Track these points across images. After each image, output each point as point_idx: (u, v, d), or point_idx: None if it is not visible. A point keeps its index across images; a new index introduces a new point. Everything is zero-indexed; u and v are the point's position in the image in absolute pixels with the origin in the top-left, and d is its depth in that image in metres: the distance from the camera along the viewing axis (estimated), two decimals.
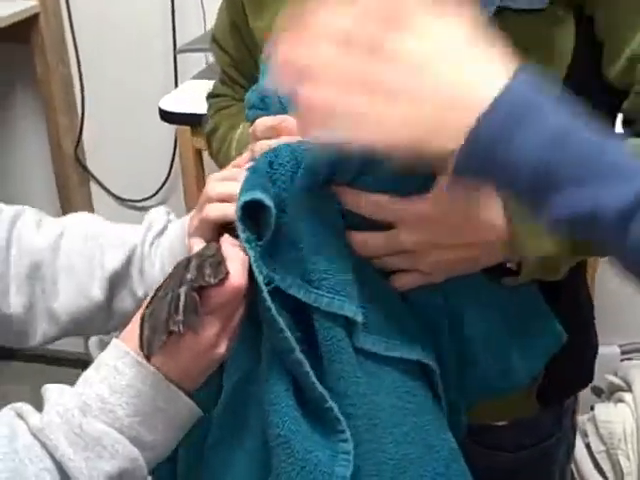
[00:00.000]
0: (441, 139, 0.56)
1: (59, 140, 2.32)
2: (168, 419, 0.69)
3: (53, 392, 0.68)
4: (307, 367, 0.70)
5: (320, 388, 0.70)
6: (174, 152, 2.24)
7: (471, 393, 0.80)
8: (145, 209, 2.44)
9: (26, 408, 0.67)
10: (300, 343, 0.70)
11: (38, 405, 0.69)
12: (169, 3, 2.09)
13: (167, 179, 2.33)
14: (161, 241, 0.89)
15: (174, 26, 2.12)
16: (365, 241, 0.73)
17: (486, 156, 0.56)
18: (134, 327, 0.70)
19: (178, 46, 2.08)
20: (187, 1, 2.10)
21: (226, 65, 1.04)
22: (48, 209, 2.45)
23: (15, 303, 0.85)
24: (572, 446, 1.06)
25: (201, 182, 1.87)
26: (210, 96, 1.10)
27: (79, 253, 0.88)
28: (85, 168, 2.41)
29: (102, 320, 0.88)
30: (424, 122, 0.57)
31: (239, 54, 1.01)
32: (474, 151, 0.56)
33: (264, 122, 0.78)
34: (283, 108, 0.78)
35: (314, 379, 0.70)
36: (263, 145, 0.76)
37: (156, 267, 0.87)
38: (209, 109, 1.09)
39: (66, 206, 2.41)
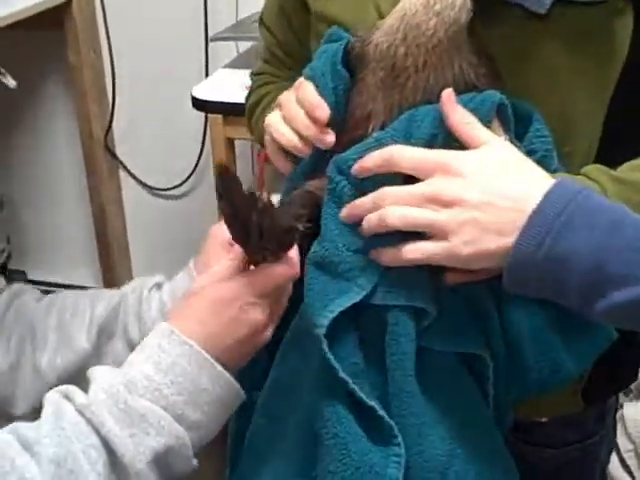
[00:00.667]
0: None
1: (89, 128, 2.32)
2: (212, 399, 0.68)
3: (99, 372, 0.68)
4: (351, 384, 0.71)
5: (369, 402, 0.71)
6: (203, 141, 2.24)
7: (518, 389, 0.79)
8: (173, 197, 2.44)
9: (72, 389, 0.68)
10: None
11: None
12: None
13: (195, 168, 2.33)
14: (163, 287, 0.89)
15: (206, 15, 2.11)
16: (404, 195, 0.71)
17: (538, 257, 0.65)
18: (180, 306, 0.70)
19: (210, 35, 2.07)
20: None
21: (272, 45, 1.06)
22: (77, 197, 2.49)
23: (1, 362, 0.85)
24: (613, 444, 1.05)
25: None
26: (254, 74, 1.12)
27: (69, 308, 0.88)
28: (114, 156, 2.42)
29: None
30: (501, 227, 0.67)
31: (285, 37, 1.03)
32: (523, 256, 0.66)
33: (305, 96, 0.80)
34: (323, 72, 0.80)
35: (360, 394, 0.71)
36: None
37: (152, 309, 0.86)
38: (252, 84, 1.11)
39: (95, 194, 2.42)
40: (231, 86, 1.82)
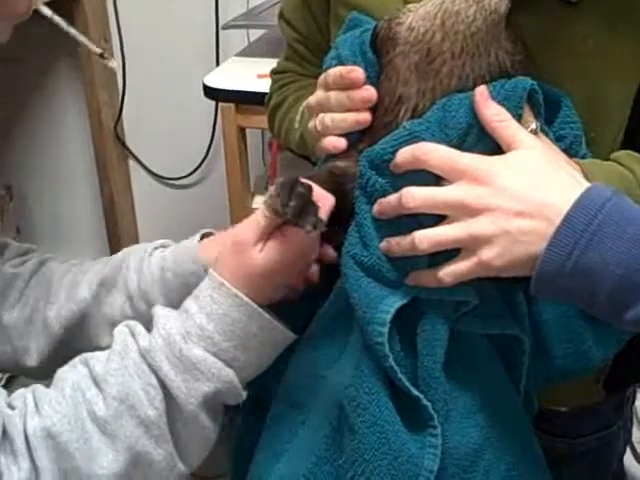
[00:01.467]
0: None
1: (99, 117, 2.32)
2: (262, 342, 0.74)
3: (160, 317, 0.74)
4: (400, 374, 0.72)
5: (415, 392, 0.72)
6: (213, 130, 2.23)
7: (542, 376, 0.80)
8: (183, 187, 2.44)
9: (139, 328, 0.75)
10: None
11: None
12: None
13: (206, 157, 2.32)
14: (168, 247, 0.92)
15: (217, 3, 2.10)
16: (428, 197, 0.71)
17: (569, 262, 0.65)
18: (222, 260, 0.74)
19: (221, 23, 2.06)
20: None
21: (294, 41, 1.04)
22: (87, 186, 2.49)
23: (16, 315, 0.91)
24: (630, 435, 1.05)
25: (243, 160, 1.86)
26: (274, 72, 1.10)
27: (83, 270, 0.92)
28: (124, 145, 2.41)
29: (92, 327, 0.90)
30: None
31: (308, 29, 1.01)
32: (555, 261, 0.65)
33: (335, 71, 0.79)
34: (355, 58, 0.79)
35: (407, 384, 0.72)
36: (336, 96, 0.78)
37: (152, 264, 0.88)
38: (273, 85, 1.09)
39: (104, 183, 2.42)
40: (242, 74, 1.82)
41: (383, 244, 0.74)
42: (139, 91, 2.33)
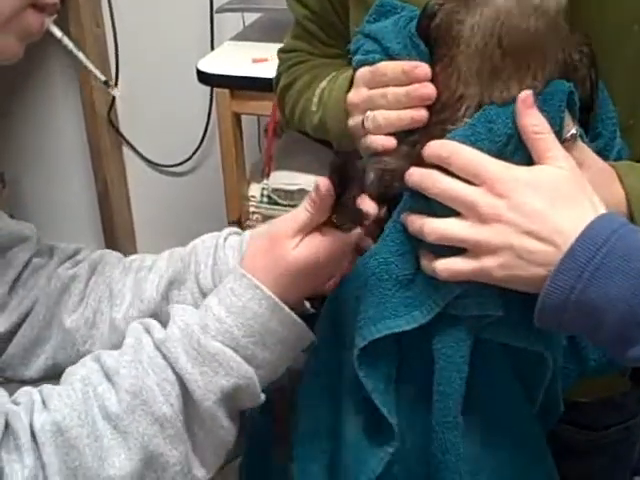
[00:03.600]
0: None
1: (92, 103, 2.29)
2: (281, 339, 0.71)
3: (178, 310, 0.72)
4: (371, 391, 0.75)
5: (391, 420, 0.75)
6: (208, 117, 2.20)
7: (576, 376, 0.80)
8: (177, 174, 2.41)
9: (152, 322, 0.72)
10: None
11: None
12: None
13: (201, 144, 2.29)
14: (243, 235, 0.89)
15: None
16: (447, 188, 0.70)
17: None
18: (252, 252, 0.73)
19: (215, 6, 2.03)
20: None
21: (304, 19, 1.01)
22: (81, 173, 2.47)
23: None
24: None
25: (239, 146, 1.83)
26: (282, 51, 1.07)
27: (146, 267, 0.89)
28: (118, 131, 2.38)
29: None
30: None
31: (320, 7, 0.98)
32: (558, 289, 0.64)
33: (394, 67, 0.76)
34: (408, 51, 0.76)
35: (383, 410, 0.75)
36: (392, 92, 0.75)
37: (228, 256, 0.85)
38: (281, 65, 1.05)
39: (98, 170, 2.39)
40: (237, 59, 1.79)
41: (403, 214, 0.73)
42: (133, 77, 2.30)
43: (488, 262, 0.68)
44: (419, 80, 0.74)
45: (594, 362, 0.79)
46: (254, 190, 1.90)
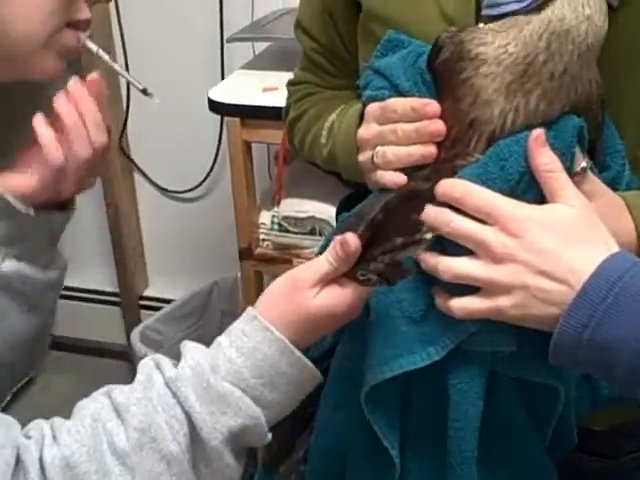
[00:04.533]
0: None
1: None
2: (291, 381, 0.72)
3: (190, 348, 0.73)
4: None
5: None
6: (219, 143, 2.22)
7: (589, 405, 0.80)
8: (188, 200, 2.42)
9: (164, 360, 0.73)
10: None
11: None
12: None
13: (211, 171, 2.30)
14: None
15: (222, 15, 2.09)
16: (460, 228, 0.70)
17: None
18: (270, 297, 0.73)
19: (226, 36, 2.05)
20: None
21: (312, 51, 1.01)
22: (91, 198, 2.47)
23: None
24: None
25: (249, 175, 1.84)
26: (291, 83, 1.07)
27: None
28: (129, 158, 2.40)
29: None
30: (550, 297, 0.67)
31: (329, 40, 0.98)
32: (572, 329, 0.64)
33: (403, 104, 0.76)
34: (418, 88, 0.76)
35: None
36: (402, 128, 0.75)
37: None
38: (290, 97, 1.06)
39: (109, 196, 2.40)
40: (248, 88, 1.80)
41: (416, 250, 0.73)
42: (144, 104, 2.31)
43: (503, 301, 0.68)
44: (429, 117, 0.75)
45: (607, 391, 0.79)
46: (264, 217, 1.90)
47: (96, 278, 2.58)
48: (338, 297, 0.72)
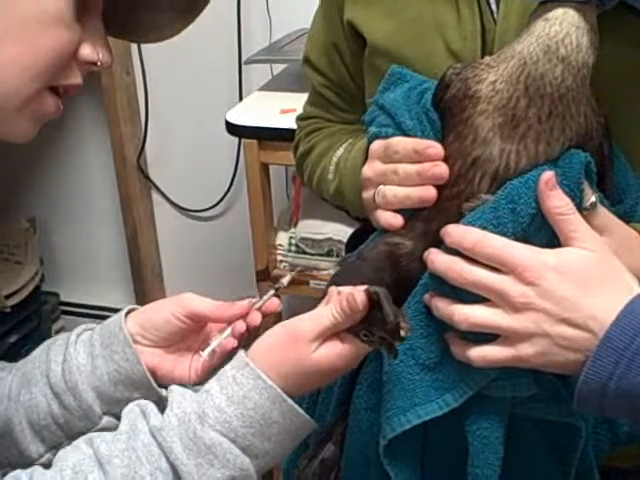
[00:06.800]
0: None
1: (122, 149, 2.32)
2: (282, 431, 0.69)
3: (177, 395, 0.70)
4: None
5: None
6: (236, 163, 2.22)
7: (609, 443, 0.79)
8: (205, 219, 2.43)
9: (150, 407, 0.70)
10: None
11: None
12: (235, 14, 2.07)
13: (229, 190, 2.31)
14: (93, 331, 0.85)
15: (239, 37, 2.10)
16: (475, 279, 0.69)
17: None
18: (267, 345, 0.70)
19: (243, 57, 2.06)
20: (253, 12, 2.09)
21: (321, 86, 1.01)
22: (110, 218, 2.49)
23: None
24: None
25: (267, 197, 1.84)
26: (300, 119, 1.08)
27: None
28: (147, 177, 2.41)
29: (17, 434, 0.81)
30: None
31: (337, 74, 0.98)
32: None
33: (405, 145, 0.75)
34: (422, 127, 0.75)
35: None
36: (404, 169, 0.74)
37: (80, 351, 0.81)
38: (299, 132, 1.06)
39: (127, 215, 2.42)
40: (265, 110, 1.81)
41: (426, 296, 0.72)
42: (162, 124, 2.33)
43: (524, 349, 0.67)
44: (431, 159, 0.73)
45: (627, 428, 0.78)
46: (281, 239, 1.90)
47: (114, 297, 2.60)
48: (338, 353, 0.69)
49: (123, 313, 0.82)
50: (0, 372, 0.84)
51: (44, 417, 0.79)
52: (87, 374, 0.79)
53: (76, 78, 0.73)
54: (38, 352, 0.83)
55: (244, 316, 0.77)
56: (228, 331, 0.75)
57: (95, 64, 0.73)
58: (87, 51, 0.72)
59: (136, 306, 0.84)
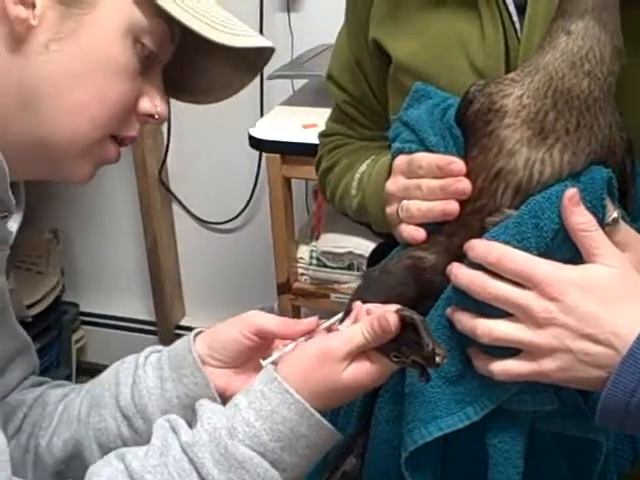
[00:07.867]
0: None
1: (144, 162, 2.34)
2: (310, 444, 0.70)
3: (207, 410, 0.71)
4: None
5: None
6: (257, 176, 2.24)
7: (630, 458, 0.79)
8: (226, 231, 2.45)
9: (180, 422, 0.71)
10: None
11: None
12: (257, 30, 2.09)
13: (249, 203, 2.33)
14: (162, 351, 0.86)
15: None
16: (499, 294, 0.70)
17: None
18: (297, 362, 0.71)
19: (265, 73, 2.07)
20: (275, 28, 2.11)
21: (344, 103, 1.02)
22: (131, 230, 2.51)
23: None
24: None
25: (289, 210, 1.86)
26: (323, 135, 1.09)
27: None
28: (168, 190, 2.43)
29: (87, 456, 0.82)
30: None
31: (360, 91, 0.99)
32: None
33: (429, 160, 0.76)
34: (445, 143, 0.76)
35: None
36: (428, 184, 0.75)
37: (149, 374, 0.82)
38: (322, 148, 1.07)
39: (148, 227, 2.44)
40: (288, 124, 1.83)
41: (449, 309, 0.73)
42: (184, 138, 2.35)
43: (546, 364, 0.68)
44: (454, 175, 0.74)
45: None
46: (303, 252, 1.92)
47: (134, 308, 2.62)
48: (367, 372, 0.70)
49: (192, 335, 0.83)
50: (69, 393, 0.86)
51: (114, 440, 0.80)
52: (156, 397, 0.80)
53: (134, 130, 0.77)
54: (106, 374, 0.84)
55: (309, 333, 0.78)
56: (291, 345, 0.75)
57: (153, 117, 0.76)
58: (146, 104, 0.75)
59: (203, 328, 0.85)
